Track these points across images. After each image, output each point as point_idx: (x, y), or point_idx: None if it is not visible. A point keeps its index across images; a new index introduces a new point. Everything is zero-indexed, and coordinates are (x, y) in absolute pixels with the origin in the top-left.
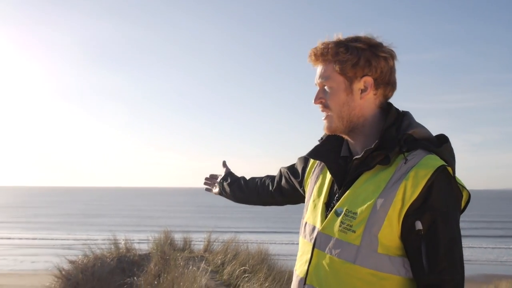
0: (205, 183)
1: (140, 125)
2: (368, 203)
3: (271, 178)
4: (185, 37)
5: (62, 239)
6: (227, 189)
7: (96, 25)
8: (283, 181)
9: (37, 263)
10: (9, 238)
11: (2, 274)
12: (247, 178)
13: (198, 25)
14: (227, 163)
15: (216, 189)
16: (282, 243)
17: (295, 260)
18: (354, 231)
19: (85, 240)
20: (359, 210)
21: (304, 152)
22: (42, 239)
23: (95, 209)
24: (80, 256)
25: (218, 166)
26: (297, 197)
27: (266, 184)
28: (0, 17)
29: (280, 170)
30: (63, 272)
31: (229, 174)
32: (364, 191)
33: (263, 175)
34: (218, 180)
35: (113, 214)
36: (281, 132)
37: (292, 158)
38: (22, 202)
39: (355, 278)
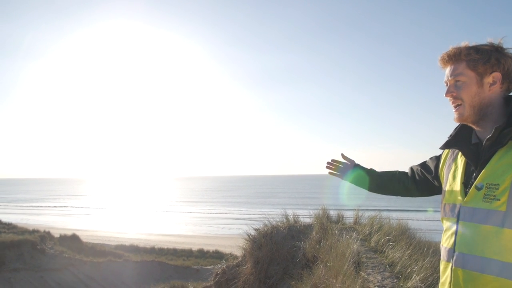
0: (327, 167)
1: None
2: (508, 174)
3: (403, 173)
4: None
5: (247, 214)
6: (363, 176)
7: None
8: (417, 176)
9: (231, 230)
10: (210, 213)
11: (209, 237)
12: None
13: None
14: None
15: (347, 175)
16: (420, 220)
17: (433, 233)
18: (498, 199)
19: (264, 214)
20: (500, 181)
21: (434, 148)
22: (234, 213)
23: (268, 192)
24: (261, 226)
25: (361, 156)
26: (430, 190)
27: (399, 177)
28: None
29: (412, 168)
30: (250, 237)
31: (358, 164)
32: (501, 165)
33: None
34: (351, 167)
35: (282, 195)
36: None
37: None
38: (218, 187)
39: (505, 240)
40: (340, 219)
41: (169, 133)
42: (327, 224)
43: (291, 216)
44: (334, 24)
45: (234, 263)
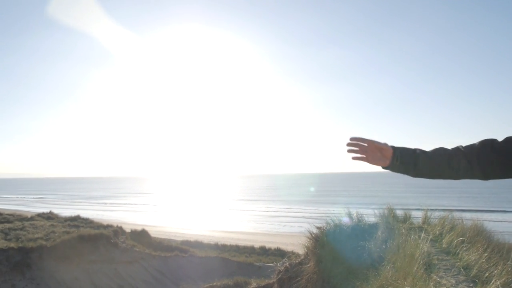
0: (349, 150)
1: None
2: None
3: (463, 152)
4: None
5: (308, 211)
6: (409, 159)
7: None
8: (485, 155)
9: (293, 227)
10: (272, 210)
11: (271, 234)
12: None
13: None
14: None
15: (382, 160)
16: (497, 221)
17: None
18: None
19: (325, 212)
20: None
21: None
22: (295, 211)
23: (329, 190)
24: (323, 224)
25: None
26: (503, 173)
27: (459, 158)
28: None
29: (477, 146)
30: (313, 235)
31: (395, 146)
32: None
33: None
34: (387, 150)
35: (343, 193)
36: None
37: None
38: (279, 185)
39: None
40: (407, 218)
41: (233, 131)
42: (394, 224)
43: (354, 214)
44: (394, 19)
45: (297, 261)
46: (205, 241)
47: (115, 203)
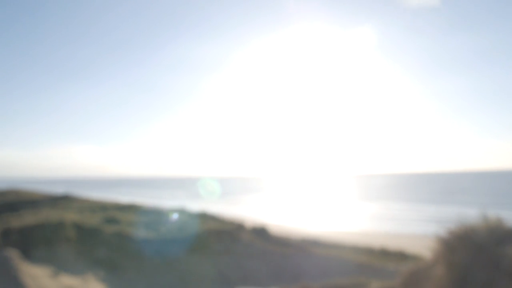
0: None
1: None
2: None
3: None
4: None
5: (433, 212)
6: None
7: None
8: None
9: (416, 229)
10: (391, 210)
11: (392, 235)
12: None
13: None
14: None
15: None
16: None
17: None
18: None
19: (454, 213)
20: None
21: None
22: (418, 211)
23: (456, 189)
24: (454, 227)
25: None
26: None
27: None
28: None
29: None
30: (442, 238)
31: None
32: None
33: None
34: None
35: (473, 193)
36: None
37: None
38: (398, 184)
39: None
40: None
41: (347, 130)
42: None
43: (492, 217)
44: None
45: (424, 265)
46: (324, 240)
47: (236, 201)
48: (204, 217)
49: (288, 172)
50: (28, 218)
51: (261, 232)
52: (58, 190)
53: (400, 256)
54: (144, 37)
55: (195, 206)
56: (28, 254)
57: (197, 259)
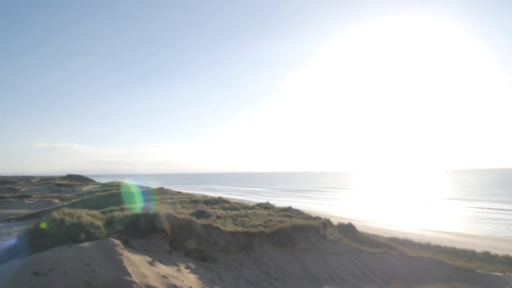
0: None
1: None
2: None
3: None
4: None
5: None
6: None
7: None
8: None
9: None
10: (494, 210)
11: (497, 239)
12: None
13: None
14: None
15: None
16: None
17: None
18: None
19: None
20: None
21: None
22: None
23: None
24: None
25: None
26: None
27: None
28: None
29: None
30: None
31: None
32: None
33: None
34: None
35: None
36: None
37: None
38: (500, 181)
39: None
40: None
41: (439, 123)
42: None
43: None
44: None
45: None
46: (415, 239)
47: (323, 197)
48: (289, 212)
49: (380, 166)
50: (128, 210)
51: (347, 229)
52: (153, 184)
53: (508, 263)
54: (228, 37)
55: (280, 201)
56: (127, 243)
57: (282, 255)
